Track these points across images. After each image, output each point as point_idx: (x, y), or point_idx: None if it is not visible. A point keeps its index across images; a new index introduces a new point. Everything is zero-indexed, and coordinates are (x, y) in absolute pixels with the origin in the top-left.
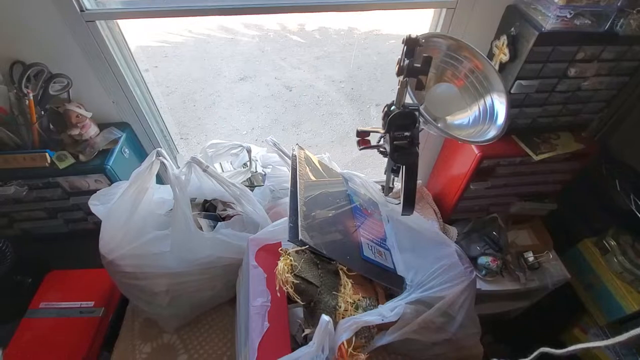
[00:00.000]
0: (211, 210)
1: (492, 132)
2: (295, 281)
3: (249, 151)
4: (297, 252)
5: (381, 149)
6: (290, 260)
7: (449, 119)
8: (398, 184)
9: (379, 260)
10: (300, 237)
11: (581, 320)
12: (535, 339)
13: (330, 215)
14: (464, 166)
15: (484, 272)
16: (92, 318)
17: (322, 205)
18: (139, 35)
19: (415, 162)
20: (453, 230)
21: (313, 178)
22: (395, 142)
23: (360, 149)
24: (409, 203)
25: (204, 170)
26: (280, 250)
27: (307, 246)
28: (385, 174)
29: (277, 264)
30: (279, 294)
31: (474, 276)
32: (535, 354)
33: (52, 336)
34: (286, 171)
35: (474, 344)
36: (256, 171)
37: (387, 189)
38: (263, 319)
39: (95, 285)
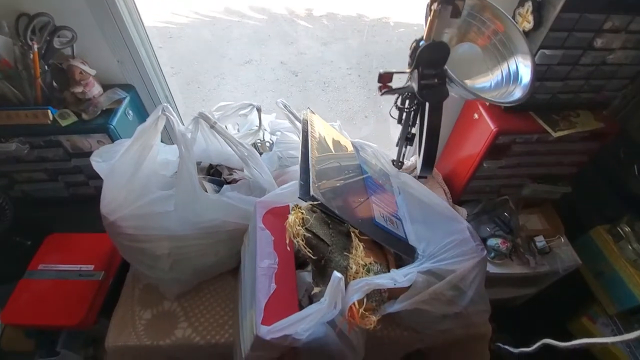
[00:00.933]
0: (216, 176)
1: (517, 94)
2: (307, 234)
3: (259, 110)
4: (308, 209)
5: (406, 93)
6: (302, 213)
7: (468, 82)
8: (409, 161)
9: (391, 228)
10: (312, 193)
11: (590, 309)
12: (541, 328)
13: (341, 184)
14: (478, 143)
15: (492, 255)
16: (91, 281)
17: (333, 175)
18: (143, 15)
19: (443, 100)
20: (463, 211)
21: (325, 146)
22: (422, 81)
23: (382, 94)
24: (429, 160)
25: (212, 127)
26: (291, 204)
27: (319, 203)
28: (397, 145)
29: (285, 226)
30: (288, 248)
31: (485, 254)
32: (537, 344)
33: (50, 298)
34: (295, 138)
35: (482, 321)
36: (264, 139)
37: (398, 162)
38: (270, 280)
39: (95, 249)
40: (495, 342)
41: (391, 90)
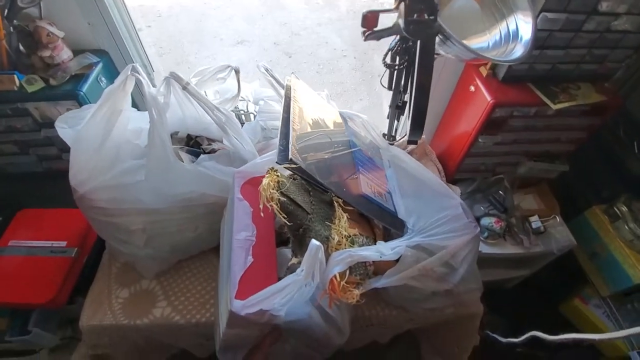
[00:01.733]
0: (195, 147)
1: (518, 52)
2: (282, 198)
3: (237, 71)
4: (288, 177)
5: (396, 46)
6: (277, 176)
7: (464, 42)
8: (402, 137)
9: (379, 200)
10: (290, 156)
11: (582, 291)
12: (533, 310)
13: (328, 157)
14: (474, 117)
15: (486, 234)
16: (63, 258)
17: (319, 149)
18: None
19: (434, 37)
20: (456, 189)
21: (310, 117)
22: (409, 16)
23: (366, 38)
24: (419, 120)
25: (184, 88)
26: (267, 168)
27: (298, 167)
28: (387, 117)
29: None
30: (262, 214)
31: (478, 231)
32: (525, 336)
33: (20, 275)
34: (279, 108)
35: (474, 301)
36: (247, 110)
37: (390, 136)
38: (247, 253)
39: (69, 225)
40: (487, 324)
41: (375, 33)
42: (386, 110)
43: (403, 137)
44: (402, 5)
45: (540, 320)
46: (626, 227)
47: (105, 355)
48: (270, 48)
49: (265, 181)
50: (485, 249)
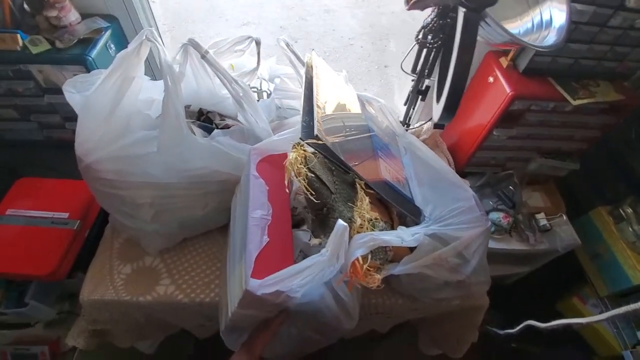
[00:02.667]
0: (207, 123)
1: (551, 38)
2: (310, 174)
3: (258, 43)
4: (312, 153)
5: (432, 22)
6: (304, 151)
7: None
8: (419, 123)
9: (398, 186)
10: (315, 132)
11: (581, 290)
12: (530, 307)
13: (348, 139)
14: (491, 108)
15: (492, 229)
16: (65, 230)
17: (338, 131)
18: None
19: (489, 4)
20: (466, 183)
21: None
22: None
23: (410, 6)
24: (454, 102)
25: (202, 57)
26: (292, 143)
27: (322, 145)
28: (405, 104)
29: (280, 177)
30: (287, 190)
31: (489, 225)
32: (521, 325)
33: (18, 245)
34: (296, 87)
35: (481, 294)
36: (261, 88)
37: (405, 121)
38: (262, 232)
39: (71, 196)
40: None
41: (421, 2)
42: (397, 99)
43: (422, 123)
44: None
45: (536, 316)
46: (630, 229)
47: (105, 330)
48: (276, 31)
49: (292, 155)
50: (491, 243)
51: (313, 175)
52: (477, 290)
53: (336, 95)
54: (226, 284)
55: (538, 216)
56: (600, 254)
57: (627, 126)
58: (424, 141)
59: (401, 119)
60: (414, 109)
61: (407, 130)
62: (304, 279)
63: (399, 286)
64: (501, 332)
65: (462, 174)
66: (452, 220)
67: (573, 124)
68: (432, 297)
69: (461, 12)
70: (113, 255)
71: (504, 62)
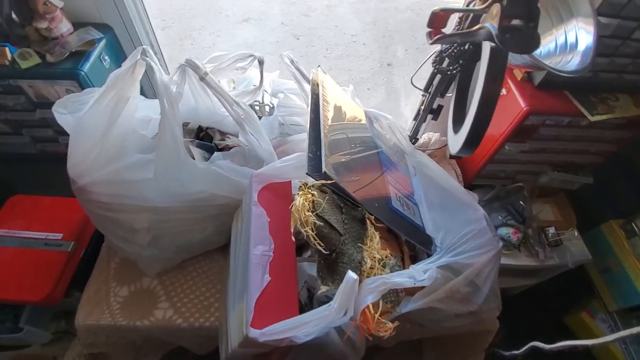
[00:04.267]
0: (206, 140)
1: (575, 62)
2: (318, 222)
3: (261, 62)
4: (318, 188)
5: (454, 49)
6: (313, 195)
7: None
8: (426, 135)
9: (407, 214)
10: (324, 169)
11: (590, 304)
12: (534, 320)
13: (354, 157)
14: (503, 122)
15: (501, 245)
16: (58, 252)
17: (344, 148)
18: None
19: (532, 50)
20: (474, 196)
21: (337, 114)
22: (504, 23)
23: (433, 42)
24: (477, 136)
25: (202, 79)
26: (299, 182)
27: (332, 182)
28: (414, 119)
29: (283, 207)
30: (293, 239)
31: (501, 246)
32: (526, 347)
33: (11, 269)
34: (300, 102)
35: (492, 318)
36: (263, 102)
37: (413, 136)
38: (264, 270)
39: (65, 215)
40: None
41: (447, 37)
42: (403, 104)
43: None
44: (497, 6)
45: (541, 330)
46: None
47: (102, 354)
48: (277, 28)
49: (298, 201)
50: None
51: (322, 223)
52: (488, 317)
53: (344, 111)
54: (226, 311)
55: (548, 230)
56: (611, 268)
57: None
58: (432, 154)
59: (408, 129)
60: (424, 123)
61: (414, 144)
62: (310, 329)
63: (407, 316)
64: (507, 353)
65: (470, 187)
66: (464, 247)
67: (588, 139)
68: (441, 326)
69: (489, 43)
70: (109, 276)
71: (518, 74)
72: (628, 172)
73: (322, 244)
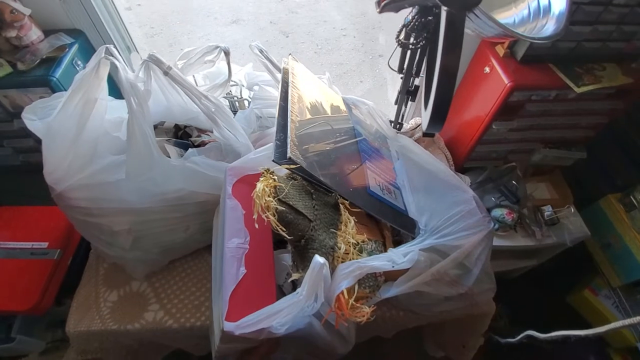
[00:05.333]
0: (185, 139)
1: (550, 28)
2: (280, 207)
3: (227, 53)
4: (286, 176)
5: (414, 20)
6: (274, 180)
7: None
8: (408, 123)
9: (388, 198)
10: (289, 154)
11: (593, 281)
12: (538, 301)
13: (329, 148)
14: (488, 101)
15: (496, 226)
16: (45, 260)
17: (320, 139)
18: None
19: (471, 7)
20: (466, 179)
21: (311, 104)
22: None
23: (382, 8)
24: (441, 111)
25: (165, 73)
26: (261, 169)
27: (298, 167)
28: (395, 103)
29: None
30: (257, 226)
31: (492, 227)
32: (521, 336)
33: None
34: (276, 93)
35: (487, 300)
36: (241, 96)
37: (396, 124)
38: (239, 263)
39: (50, 223)
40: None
41: (394, 3)
42: (391, 93)
43: (415, 127)
44: None
45: (546, 310)
46: None
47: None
48: (266, 27)
49: (259, 186)
50: (494, 241)
51: (285, 208)
52: (482, 299)
53: (318, 99)
54: (212, 309)
55: (544, 209)
56: (611, 243)
57: (635, 109)
58: (419, 139)
59: (393, 117)
60: (405, 107)
61: (399, 131)
62: (283, 318)
63: (396, 302)
64: (502, 341)
65: (462, 170)
66: (451, 229)
67: (578, 112)
68: (434, 311)
69: (443, 10)
70: (98, 282)
71: (501, 50)
72: (623, 145)
73: (286, 230)
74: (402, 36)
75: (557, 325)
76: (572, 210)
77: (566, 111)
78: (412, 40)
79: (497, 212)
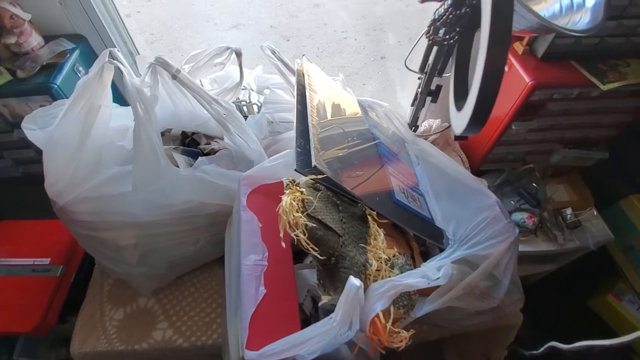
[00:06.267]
0: (192, 146)
1: (585, 20)
2: (310, 224)
3: (238, 54)
4: (309, 186)
5: (450, 11)
6: (302, 193)
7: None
8: (426, 122)
9: (414, 206)
10: (314, 162)
11: (615, 286)
12: (558, 306)
13: (349, 152)
14: (507, 101)
15: (517, 231)
16: (47, 278)
17: (338, 142)
18: None
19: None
20: (483, 182)
21: (327, 107)
22: None
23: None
24: (483, 112)
25: (174, 77)
26: (285, 180)
27: (324, 177)
28: (412, 104)
29: (278, 212)
30: (283, 244)
31: (517, 233)
32: (544, 347)
33: None
34: (288, 97)
35: (515, 311)
36: (250, 100)
37: (413, 123)
38: (258, 282)
39: (52, 238)
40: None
41: None
42: (400, 95)
43: (429, 130)
44: None
45: (567, 316)
46: None
47: None
48: (267, 31)
49: (285, 200)
50: None
51: (314, 224)
52: (511, 310)
53: (333, 102)
54: (225, 329)
55: (565, 212)
56: (634, 246)
57: None
58: (433, 142)
59: (406, 118)
60: (423, 107)
61: (414, 132)
62: (313, 347)
63: (424, 318)
64: (526, 353)
65: (478, 173)
66: (479, 238)
67: (600, 110)
68: (462, 325)
69: (488, 3)
70: (103, 299)
71: (519, 47)
72: None
73: (317, 249)
74: (431, 31)
75: (579, 331)
76: (594, 213)
77: (588, 110)
78: (441, 35)
79: (517, 216)
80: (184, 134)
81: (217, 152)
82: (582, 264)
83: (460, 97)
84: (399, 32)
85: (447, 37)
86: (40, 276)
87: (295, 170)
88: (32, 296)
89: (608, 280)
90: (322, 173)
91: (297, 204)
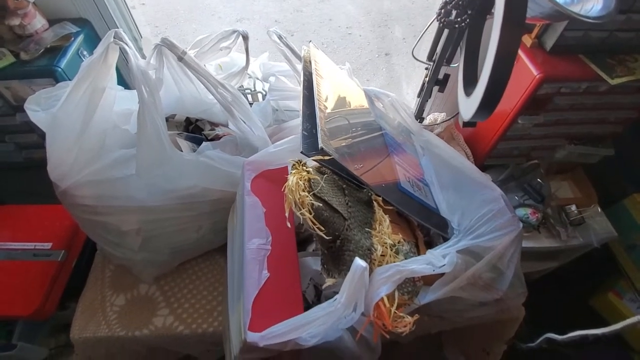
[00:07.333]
0: (196, 133)
1: (598, 7)
2: (316, 203)
3: (245, 38)
4: (315, 169)
5: None
6: (308, 172)
7: None
8: (431, 115)
9: (419, 195)
10: (320, 144)
11: (617, 284)
12: (559, 304)
13: (356, 140)
14: (514, 94)
15: (521, 226)
16: (48, 262)
17: (345, 131)
18: None
19: None
20: (487, 178)
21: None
22: None
23: None
24: (494, 96)
25: (180, 59)
26: (292, 160)
27: (330, 159)
28: (418, 95)
29: (280, 196)
30: (289, 224)
31: (522, 227)
32: (540, 339)
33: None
34: (293, 85)
35: (517, 305)
36: (255, 89)
37: (419, 114)
38: (261, 266)
39: (54, 223)
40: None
41: None
42: (405, 89)
43: (434, 123)
44: None
45: (567, 314)
46: None
47: None
48: (271, 26)
49: (292, 179)
50: None
51: (320, 204)
52: (514, 303)
53: (341, 90)
54: (227, 315)
55: (569, 208)
56: (637, 244)
57: None
58: (438, 135)
59: (413, 108)
60: (430, 97)
61: (421, 125)
62: (315, 329)
63: (425, 308)
64: (523, 346)
65: (482, 168)
66: (483, 229)
67: (607, 106)
68: (464, 317)
69: None
70: (105, 285)
71: (528, 40)
72: None
73: (323, 229)
74: (442, 14)
75: (579, 329)
76: (598, 210)
77: (595, 105)
78: (452, 18)
79: (521, 212)
80: (188, 120)
81: (221, 138)
82: (584, 263)
83: (470, 83)
84: (403, 29)
85: (459, 19)
86: (41, 260)
87: (302, 152)
88: (32, 280)
89: (609, 279)
90: (328, 155)
91: (304, 183)
